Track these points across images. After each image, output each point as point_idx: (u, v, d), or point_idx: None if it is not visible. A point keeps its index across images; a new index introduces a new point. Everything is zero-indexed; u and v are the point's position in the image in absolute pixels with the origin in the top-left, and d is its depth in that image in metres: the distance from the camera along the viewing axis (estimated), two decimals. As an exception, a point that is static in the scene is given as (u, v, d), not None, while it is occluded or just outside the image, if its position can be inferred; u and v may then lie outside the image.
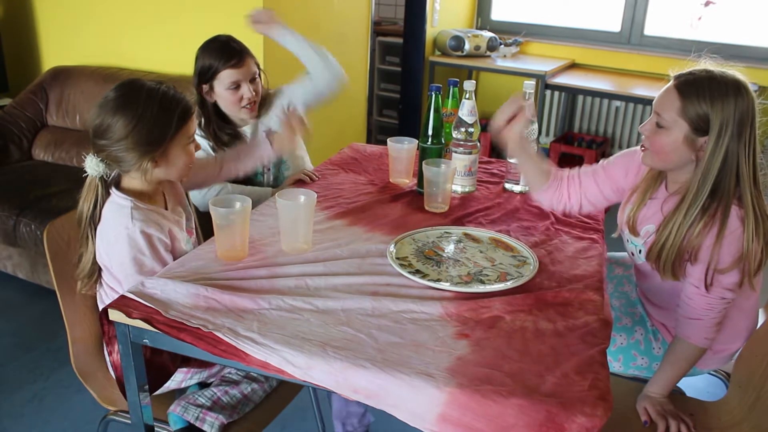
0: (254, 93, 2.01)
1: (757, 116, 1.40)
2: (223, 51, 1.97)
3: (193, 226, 1.64)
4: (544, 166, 1.70)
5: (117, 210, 1.44)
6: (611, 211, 1.77)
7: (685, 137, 1.41)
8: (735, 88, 1.37)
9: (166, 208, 1.55)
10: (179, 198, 1.62)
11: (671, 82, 1.44)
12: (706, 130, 1.38)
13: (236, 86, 1.98)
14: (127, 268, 1.42)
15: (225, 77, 1.96)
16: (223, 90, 1.98)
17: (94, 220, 1.45)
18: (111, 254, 1.44)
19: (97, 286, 1.53)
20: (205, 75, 1.97)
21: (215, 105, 2.03)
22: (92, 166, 1.43)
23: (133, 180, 1.47)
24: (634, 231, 1.60)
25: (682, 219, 1.42)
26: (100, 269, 1.50)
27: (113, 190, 1.45)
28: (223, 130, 2.02)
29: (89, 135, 1.44)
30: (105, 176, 1.44)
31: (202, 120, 2.00)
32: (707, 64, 1.43)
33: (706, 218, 1.40)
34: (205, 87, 1.99)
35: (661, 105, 1.45)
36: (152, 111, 1.41)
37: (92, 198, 1.44)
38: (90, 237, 1.46)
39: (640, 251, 1.61)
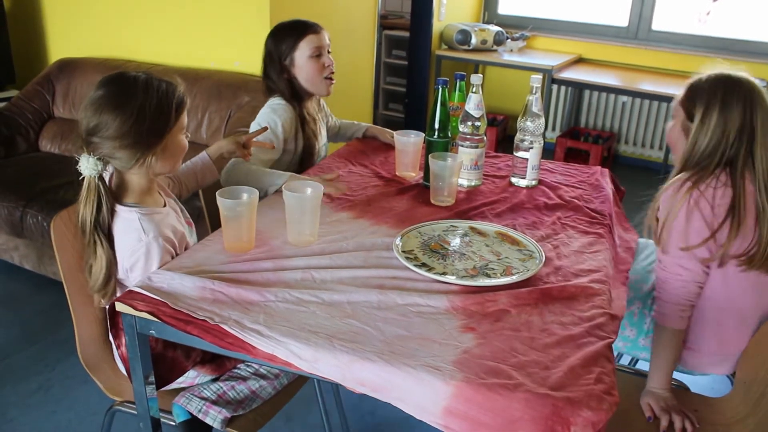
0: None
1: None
2: (299, 24, 1.97)
3: (188, 217, 1.61)
4: None
5: (126, 226, 1.39)
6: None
7: (682, 124, 1.50)
8: (736, 89, 1.43)
9: (165, 205, 1.52)
10: (167, 192, 1.59)
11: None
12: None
13: (318, 53, 1.96)
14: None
15: (306, 45, 1.94)
16: (305, 59, 1.95)
17: (100, 224, 1.37)
18: (135, 272, 1.39)
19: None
20: (284, 52, 1.95)
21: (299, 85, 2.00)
22: (89, 166, 1.35)
23: (134, 177, 1.43)
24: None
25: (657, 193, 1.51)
26: (115, 278, 1.44)
27: (117, 206, 1.40)
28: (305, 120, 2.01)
29: (81, 135, 1.37)
30: (103, 174, 1.38)
31: (289, 107, 1.97)
32: (721, 67, 1.49)
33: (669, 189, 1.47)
34: (286, 62, 1.96)
35: (676, 98, 1.55)
36: (151, 104, 1.37)
37: (94, 200, 1.36)
38: (99, 243, 1.38)
39: None
